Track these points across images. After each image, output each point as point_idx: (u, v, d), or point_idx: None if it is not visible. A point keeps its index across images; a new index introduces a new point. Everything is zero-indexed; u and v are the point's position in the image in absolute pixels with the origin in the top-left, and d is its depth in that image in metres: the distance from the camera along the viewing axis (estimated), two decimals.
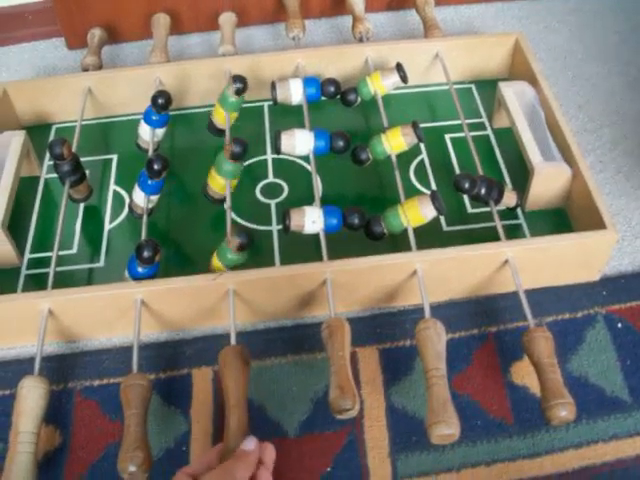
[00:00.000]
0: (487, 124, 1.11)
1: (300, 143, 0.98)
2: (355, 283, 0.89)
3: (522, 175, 1.00)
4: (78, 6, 1.22)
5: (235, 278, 0.87)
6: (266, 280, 0.88)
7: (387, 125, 1.03)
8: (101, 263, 0.98)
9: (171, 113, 1.09)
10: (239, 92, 1.01)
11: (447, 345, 0.83)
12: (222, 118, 1.04)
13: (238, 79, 1.00)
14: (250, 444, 0.71)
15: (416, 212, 0.90)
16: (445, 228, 0.99)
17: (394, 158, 0.99)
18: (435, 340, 0.81)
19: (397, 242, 0.93)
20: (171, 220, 1.03)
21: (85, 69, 1.14)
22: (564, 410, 0.76)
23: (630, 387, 0.86)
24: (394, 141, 0.98)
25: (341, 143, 1.00)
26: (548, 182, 0.97)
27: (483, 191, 0.93)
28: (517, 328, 0.90)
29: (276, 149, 0.99)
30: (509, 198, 0.96)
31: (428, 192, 0.94)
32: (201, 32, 1.28)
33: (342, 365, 0.78)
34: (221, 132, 1.06)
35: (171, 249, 0.99)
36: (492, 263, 0.89)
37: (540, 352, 0.81)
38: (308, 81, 1.06)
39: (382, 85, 1.06)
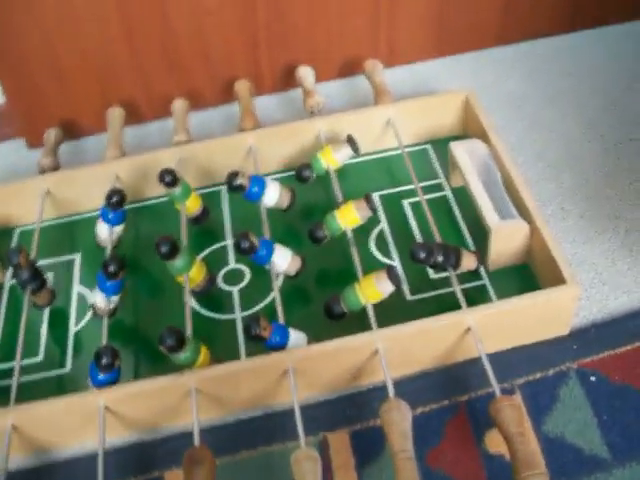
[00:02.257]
0: (445, 184, 1.10)
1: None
2: (318, 368, 0.88)
3: (483, 234, 0.99)
4: (35, 106, 1.25)
5: (196, 376, 0.86)
6: (228, 375, 0.87)
7: (342, 199, 1.02)
8: (67, 368, 0.97)
9: (133, 205, 1.12)
10: (170, 185, 1.02)
11: (419, 420, 0.83)
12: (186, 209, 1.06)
13: (165, 174, 1.02)
14: None
15: (373, 289, 0.89)
16: (409, 297, 0.98)
17: (350, 234, 0.98)
18: (399, 421, 0.79)
19: (361, 317, 0.91)
20: (139, 315, 1.02)
21: (42, 171, 1.14)
22: None
23: (608, 443, 0.84)
24: (348, 217, 0.98)
25: None
26: (507, 240, 0.96)
27: (440, 259, 0.92)
28: (488, 394, 0.88)
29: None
30: (469, 262, 0.95)
31: (386, 266, 0.92)
32: (159, 119, 1.28)
33: None
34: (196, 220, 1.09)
35: (139, 346, 0.99)
36: (454, 332, 0.88)
37: (508, 422, 0.79)
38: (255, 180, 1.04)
39: (334, 159, 1.06)
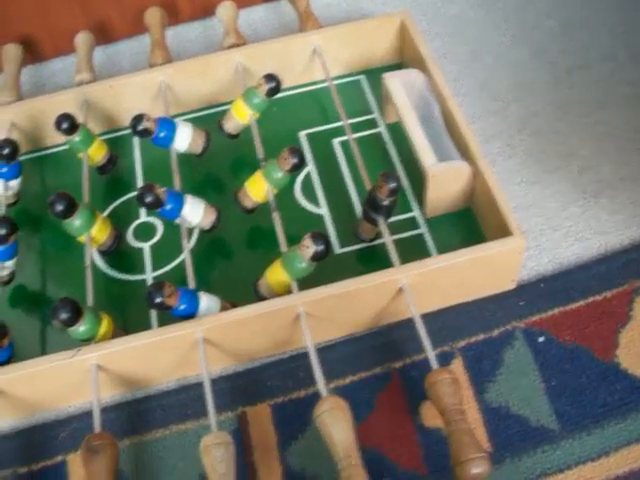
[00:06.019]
0: (380, 120, 0.99)
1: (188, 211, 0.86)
2: (233, 336, 0.78)
3: (423, 175, 0.88)
4: None
5: (98, 352, 0.76)
6: (133, 349, 0.77)
7: (262, 156, 0.90)
8: None
9: (33, 155, 1.02)
10: (68, 132, 0.91)
11: (347, 390, 0.74)
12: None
13: (62, 120, 0.90)
14: None
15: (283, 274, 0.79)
16: (337, 250, 0.88)
17: (272, 201, 0.86)
18: (336, 423, 0.69)
19: None
20: (42, 279, 0.91)
21: None
22: (477, 467, 0.66)
23: (557, 412, 0.76)
24: (261, 187, 0.86)
25: None
26: (446, 185, 0.86)
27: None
28: (424, 360, 0.78)
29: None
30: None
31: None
32: (65, 55, 1.15)
33: None
34: (102, 170, 0.97)
35: (44, 315, 0.88)
36: (386, 293, 0.78)
37: (445, 400, 0.70)
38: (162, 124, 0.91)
39: (247, 113, 0.93)
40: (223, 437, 0.70)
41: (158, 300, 0.75)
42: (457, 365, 0.80)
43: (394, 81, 0.93)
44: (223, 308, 0.79)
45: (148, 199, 0.82)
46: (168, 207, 0.84)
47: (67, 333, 0.77)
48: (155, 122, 0.90)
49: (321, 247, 0.75)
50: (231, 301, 0.81)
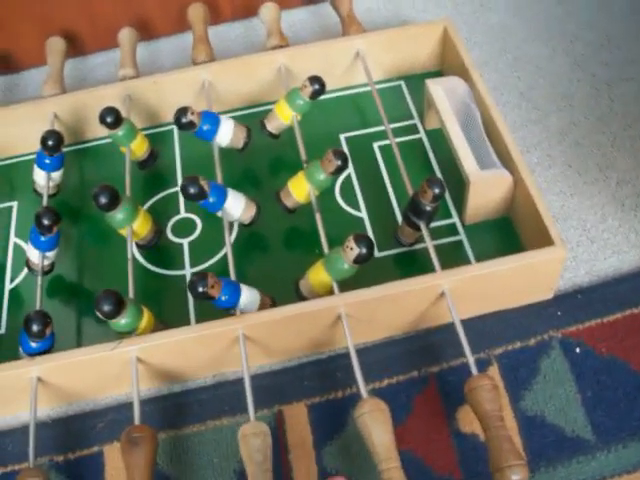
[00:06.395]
0: (420, 126, 1.00)
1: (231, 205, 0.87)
2: (275, 335, 0.79)
3: (462, 182, 0.88)
4: None
5: (138, 345, 0.77)
6: (174, 343, 0.77)
7: (305, 157, 0.91)
8: (2, 330, 0.88)
9: (75, 147, 1.03)
10: (112, 125, 0.91)
11: (385, 393, 0.75)
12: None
13: (106, 114, 0.91)
14: None
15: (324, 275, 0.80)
16: (377, 254, 0.88)
17: (315, 203, 0.87)
18: (377, 425, 0.70)
19: None
20: (81, 270, 0.92)
21: None
22: (516, 474, 0.66)
23: (593, 423, 0.76)
24: (303, 187, 0.87)
25: None
26: (486, 192, 0.86)
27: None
28: (462, 366, 0.80)
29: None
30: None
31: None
32: (105, 50, 1.16)
33: None
34: (143, 164, 0.98)
35: (81, 306, 0.89)
36: (426, 297, 0.79)
37: (485, 406, 0.70)
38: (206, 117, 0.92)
39: (290, 114, 0.94)
40: (261, 427, 0.71)
41: (201, 290, 0.75)
42: (493, 372, 0.80)
43: (437, 87, 0.93)
44: (262, 301, 0.80)
45: (192, 190, 0.82)
46: (211, 199, 0.84)
47: (106, 325, 0.77)
48: (199, 115, 0.90)
49: (364, 250, 0.76)
50: (269, 295, 0.81)
